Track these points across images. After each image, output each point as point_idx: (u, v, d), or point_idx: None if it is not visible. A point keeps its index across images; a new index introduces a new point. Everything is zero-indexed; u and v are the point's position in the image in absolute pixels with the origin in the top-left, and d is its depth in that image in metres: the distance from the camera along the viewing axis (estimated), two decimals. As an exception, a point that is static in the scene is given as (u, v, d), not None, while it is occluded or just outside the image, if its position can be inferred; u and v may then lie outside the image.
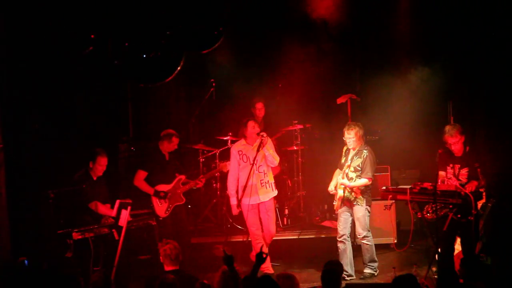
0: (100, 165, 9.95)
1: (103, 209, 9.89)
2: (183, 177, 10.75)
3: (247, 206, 10.04)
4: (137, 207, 10.17)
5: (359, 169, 10.02)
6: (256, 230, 10.17)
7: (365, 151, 10.10)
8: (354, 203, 10.12)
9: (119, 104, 12.54)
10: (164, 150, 10.64)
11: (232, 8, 9.91)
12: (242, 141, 10.23)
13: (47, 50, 9.52)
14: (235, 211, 10.15)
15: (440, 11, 11.02)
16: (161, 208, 10.50)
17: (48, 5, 8.82)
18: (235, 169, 10.18)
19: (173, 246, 8.08)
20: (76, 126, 10.89)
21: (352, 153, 10.16)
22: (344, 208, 10.23)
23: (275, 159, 10.14)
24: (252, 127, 10.07)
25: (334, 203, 10.36)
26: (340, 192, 10.16)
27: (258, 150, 9.89)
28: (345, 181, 9.98)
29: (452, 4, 10.88)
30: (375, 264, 10.36)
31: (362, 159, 10.03)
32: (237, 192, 10.14)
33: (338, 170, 10.34)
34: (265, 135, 9.96)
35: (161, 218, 10.47)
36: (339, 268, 7.75)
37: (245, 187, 9.88)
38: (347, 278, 10.17)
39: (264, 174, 10.10)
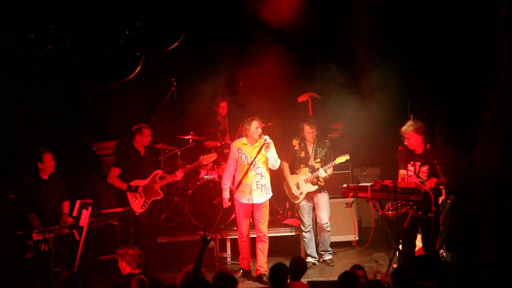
0: (48, 160, 9.83)
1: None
2: (160, 171, 10.72)
3: (240, 204, 10.10)
4: (115, 205, 10.35)
5: (324, 159, 10.53)
6: (242, 227, 10.21)
7: (327, 141, 10.70)
8: (319, 191, 10.61)
9: (79, 104, 12.40)
10: (138, 146, 10.58)
11: (192, 7, 9.87)
12: (243, 140, 10.12)
13: (3, 48, 9.39)
14: (226, 204, 10.13)
15: (398, 10, 11.12)
16: (137, 203, 10.44)
17: (6, 2, 8.70)
18: (233, 165, 10.10)
19: (137, 251, 8.05)
20: (36, 126, 10.77)
21: (312, 146, 10.59)
22: (305, 199, 10.49)
23: (276, 162, 10.07)
24: (255, 127, 9.95)
25: (296, 197, 10.68)
26: (313, 188, 10.56)
27: (258, 152, 9.83)
28: (323, 173, 10.42)
29: (409, 3, 10.98)
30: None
31: (326, 149, 10.58)
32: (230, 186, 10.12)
33: (286, 165, 10.74)
34: (268, 138, 9.88)
35: (137, 214, 10.45)
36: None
37: (239, 184, 9.88)
38: (317, 264, 10.73)
39: (262, 176, 10.03)
